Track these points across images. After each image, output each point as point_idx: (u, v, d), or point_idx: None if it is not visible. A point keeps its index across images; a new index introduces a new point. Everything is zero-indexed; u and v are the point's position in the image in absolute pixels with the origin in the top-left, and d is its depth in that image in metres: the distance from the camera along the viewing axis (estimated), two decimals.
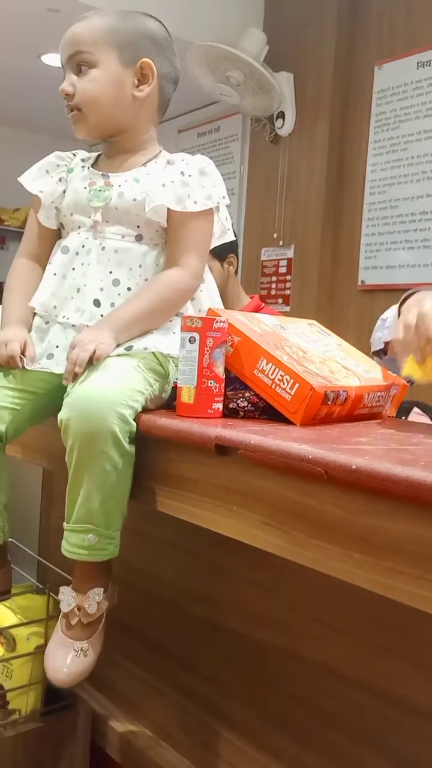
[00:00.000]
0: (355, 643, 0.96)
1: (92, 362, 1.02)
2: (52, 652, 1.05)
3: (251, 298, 2.34)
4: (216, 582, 1.17)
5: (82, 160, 1.25)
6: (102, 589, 1.05)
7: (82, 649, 1.04)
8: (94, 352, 1.01)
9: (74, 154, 1.27)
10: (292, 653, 1.04)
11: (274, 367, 1.01)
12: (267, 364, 1.02)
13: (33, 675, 1.23)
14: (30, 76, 3.98)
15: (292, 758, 1.04)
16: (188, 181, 1.14)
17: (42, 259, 1.23)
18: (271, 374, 1.01)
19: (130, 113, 1.18)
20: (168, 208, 1.13)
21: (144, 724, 1.28)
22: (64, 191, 1.21)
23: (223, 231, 1.25)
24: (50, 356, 1.13)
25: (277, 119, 3.49)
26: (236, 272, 2.30)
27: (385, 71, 3.16)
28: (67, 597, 1.05)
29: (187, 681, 1.22)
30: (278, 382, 1.00)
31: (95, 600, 1.04)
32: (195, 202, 1.14)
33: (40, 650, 1.22)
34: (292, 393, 0.99)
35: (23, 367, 1.11)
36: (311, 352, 1.11)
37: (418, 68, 3.03)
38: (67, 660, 1.03)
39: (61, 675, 1.03)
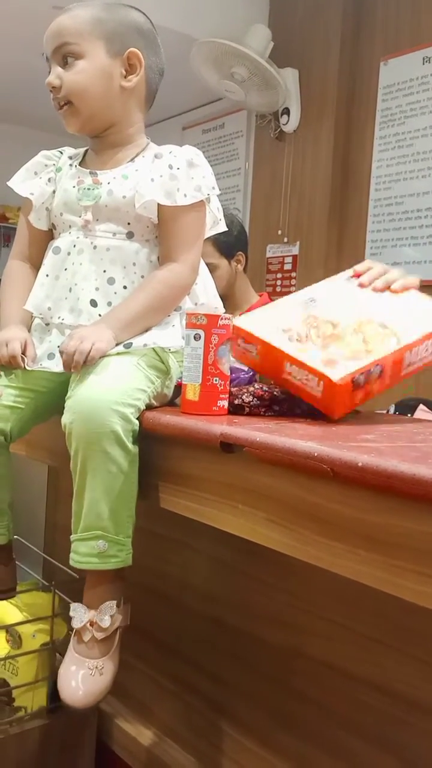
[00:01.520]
0: (361, 640, 0.96)
1: (87, 362, 1.01)
2: (64, 672, 1.00)
3: (260, 296, 2.32)
4: (221, 580, 1.17)
5: (70, 158, 1.24)
6: (115, 602, 1.02)
7: (97, 668, 0.99)
8: (90, 350, 1.01)
9: (61, 152, 1.26)
10: (298, 651, 1.04)
11: (297, 368, 1.00)
12: (291, 366, 1.01)
13: (39, 672, 1.23)
14: (34, 74, 3.97)
15: (297, 755, 1.04)
16: (177, 174, 1.13)
17: (35, 261, 1.22)
18: (298, 375, 1.00)
19: (119, 104, 1.17)
20: (158, 203, 1.12)
21: (150, 722, 1.28)
22: (54, 191, 1.20)
23: (215, 221, 1.24)
24: (51, 356, 1.12)
25: (282, 115, 3.47)
26: (245, 270, 2.28)
27: (390, 67, 3.14)
28: (78, 613, 1.02)
29: (192, 679, 1.22)
30: (306, 382, 0.99)
31: (108, 614, 1.01)
32: (185, 195, 1.13)
33: (46, 647, 1.23)
34: (321, 390, 0.97)
35: (24, 367, 1.10)
36: (343, 322, 1.06)
37: (423, 64, 3.01)
38: (81, 679, 0.98)
39: (77, 696, 0.97)
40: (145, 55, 1.17)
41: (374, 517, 0.72)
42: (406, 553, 0.69)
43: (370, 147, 3.21)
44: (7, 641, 1.25)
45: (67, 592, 1.20)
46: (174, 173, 1.13)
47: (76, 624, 1.01)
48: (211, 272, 2.08)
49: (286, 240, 3.50)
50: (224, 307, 2.10)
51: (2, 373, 1.12)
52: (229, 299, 2.19)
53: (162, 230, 1.15)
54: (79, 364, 1.01)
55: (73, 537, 1.01)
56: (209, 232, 1.24)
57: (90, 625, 1.00)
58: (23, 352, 1.11)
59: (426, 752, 0.89)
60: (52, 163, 1.23)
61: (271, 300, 2.33)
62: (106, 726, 1.30)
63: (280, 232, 3.52)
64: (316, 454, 0.75)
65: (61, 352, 1.04)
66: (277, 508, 0.83)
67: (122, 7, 1.19)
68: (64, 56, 1.14)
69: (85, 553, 0.99)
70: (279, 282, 3.55)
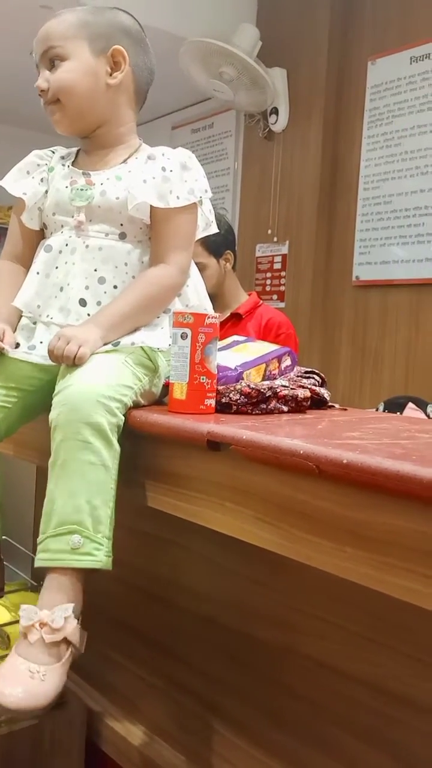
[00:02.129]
0: (351, 638, 0.96)
1: (74, 364, 1.01)
2: (1, 669, 0.89)
3: (249, 294, 2.33)
4: (211, 578, 1.17)
5: (62, 158, 1.24)
6: (72, 606, 0.92)
7: (39, 672, 0.87)
8: (77, 352, 1.00)
9: (53, 152, 1.26)
10: (289, 649, 1.04)
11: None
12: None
13: None
14: (23, 73, 3.96)
15: (289, 754, 1.04)
16: (169, 177, 1.14)
17: (25, 260, 1.22)
18: None
19: (107, 102, 1.18)
20: (151, 205, 1.13)
21: (140, 721, 1.28)
22: (46, 191, 1.20)
23: (207, 223, 1.24)
24: (32, 348, 1.12)
25: (270, 115, 3.48)
26: (234, 269, 2.29)
27: (378, 66, 3.15)
28: (27, 613, 0.91)
29: (183, 677, 1.22)
30: None
31: (62, 615, 0.91)
32: (177, 198, 1.13)
33: None
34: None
35: (2, 351, 1.09)
36: None
37: (411, 63, 3.02)
38: (19, 680, 0.86)
39: (12, 696, 0.84)
40: (131, 53, 1.18)
41: (360, 514, 0.73)
42: (392, 549, 0.70)
43: (359, 146, 3.22)
44: None
45: None
46: (167, 175, 1.14)
47: (24, 623, 0.91)
48: (200, 271, 2.08)
49: (275, 239, 3.50)
50: (213, 306, 2.10)
51: None
52: (219, 298, 2.20)
53: (154, 232, 1.15)
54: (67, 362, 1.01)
55: (42, 536, 0.95)
56: (201, 234, 1.25)
57: (39, 626, 0.90)
58: (1, 339, 1.10)
59: (419, 749, 0.89)
60: (45, 162, 1.24)
61: (260, 299, 2.34)
62: (95, 725, 1.29)
63: (269, 231, 3.52)
64: (301, 452, 0.76)
65: (50, 352, 1.03)
66: (265, 505, 0.83)
67: (109, 10, 1.20)
68: (51, 59, 1.16)
69: (57, 549, 0.92)
70: (269, 281, 3.56)
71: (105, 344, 1.06)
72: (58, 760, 1.22)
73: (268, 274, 3.55)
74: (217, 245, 2.12)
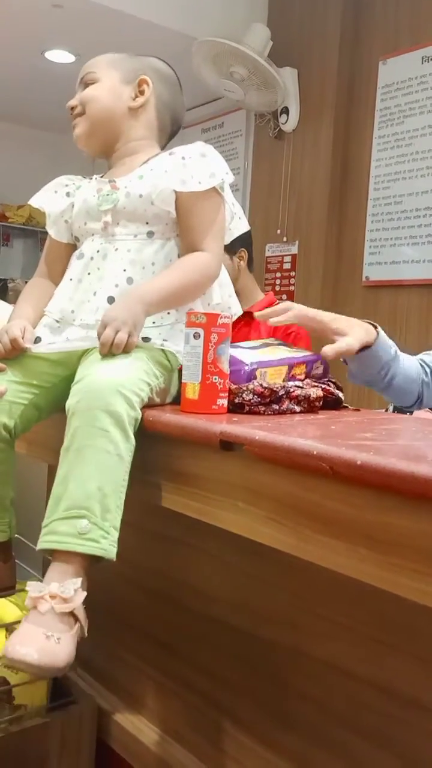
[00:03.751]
0: (361, 639, 0.96)
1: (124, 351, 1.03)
2: (13, 635, 0.90)
3: (266, 294, 2.29)
4: (221, 579, 1.17)
5: (90, 179, 1.29)
6: (80, 579, 0.93)
7: (54, 635, 0.88)
8: (127, 342, 1.03)
9: (83, 177, 1.31)
10: (298, 650, 1.04)
11: None
12: None
13: None
14: (34, 73, 3.98)
15: (297, 755, 1.04)
16: (188, 163, 1.16)
17: (53, 275, 1.27)
18: None
19: (126, 120, 1.26)
20: (175, 192, 1.15)
21: (150, 721, 1.28)
22: (72, 204, 1.25)
23: (232, 215, 1.26)
24: (52, 343, 1.14)
25: (281, 115, 3.48)
26: (250, 268, 2.25)
27: (389, 66, 3.14)
28: (36, 586, 0.93)
29: (192, 677, 1.22)
30: None
31: (71, 587, 0.92)
32: (199, 182, 1.15)
33: None
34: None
35: (25, 348, 1.12)
36: None
37: (422, 63, 3.01)
38: (36, 640, 0.87)
39: (25, 651, 0.85)
40: (156, 85, 1.27)
41: (373, 516, 0.72)
42: (406, 551, 0.69)
43: (369, 146, 3.21)
44: (7, 639, 1.25)
45: None
46: (186, 162, 1.16)
47: (32, 594, 0.91)
48: None
49: (285, 239, 3.50)
50: None
51: (6, 368, 1.12)
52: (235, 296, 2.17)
53: (182, 222, 1.17)
54: (115, 352, 1.03)
55: (48, 519, 0.94)
56: (233, 232, 1.27)
57: (50, 597, 0.91)
58: (21, 337, 1.13)
59: (426, 751, 0.89)
60: (72, 182, 1.29)
61: (276, 299, 2.31)
62: (106, 724, 1.30)
63: (279, 231, 3.52)
64: (315, 453, 0.75)
65: (102, 344, 1.04)
66: (277, 506, 0.83)
67: (147, 57, 1.31)
68: (85, 83, 1.26)
69: (64, 532, 0.92)
70: (278, 281, 3.56)
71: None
72: (68, 759, 1.23)
73: (278, 274, 3.55)
74: (232, 242, 2.07)
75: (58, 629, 0.90)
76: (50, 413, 1.14)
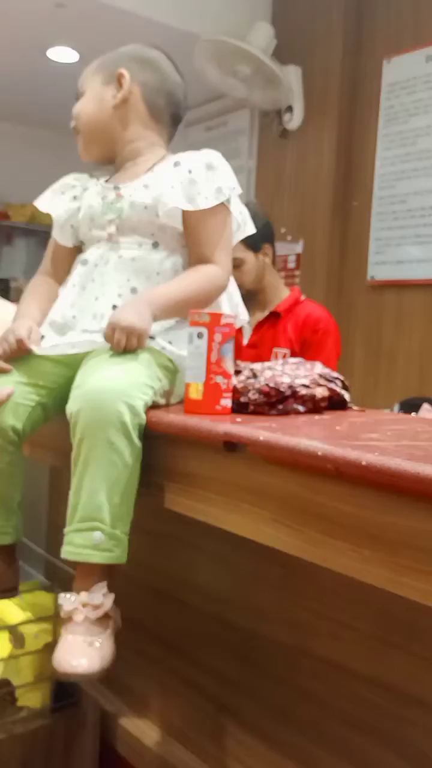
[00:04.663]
0: (364, 639, 0.95)
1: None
2: (61, 649, 0.97)
3: (291, 289, 2.24)
4: (225, 579, 1.17)
5: (98, 178, 1.28)
6: (105, 583, 1.01)
7: (93, 643, 0.97)
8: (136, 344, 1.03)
9: (91, 175, 1.30)
10: (302, 650, 1.03)
11: None
12: None
13: (41, 672, 1.22)
14: (36, 72, 3.97)
15: (301, 754, 1.03)
16: (196, 179, 1.15)
17: (58, 276, 1.26)
18: None
19: (115, 121, 1.24)
20: (183, 210, 1.14)
21: (153, 721, 1.28)
22: (79, 208, 1.24)
23: (238, 225, 1.25)
24: (55, 346, 1.14)
25: (285, 113, 3.47)
26: (273, 263, 2.21)
27: (393, 65, 3.13)
28: (67, 599, 1.00)
29: (195, 678, 1.21)
30: None
31: (100, 592, 1.00)
32: (206, 199, 1.14)
33: (49, 647, 1.22)
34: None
35: (31, 349, 1.12)
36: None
37: (427, 62, 3.00)
38: (80, 650, 0.96)
39: (79, 665, 0.94)
40: (135, 73, 1.23)
41: (379, 516, 0.72)
42: (411, 551, 0.69)
43: (374, 145, 3.20)
44: (10, 641, 1.24)
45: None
46: (193, 178, 1.15)
47: (66, 608, 0.99)
48: (238, 267, 2.04)
49: (289, 238, 3.49)
50: (254, 302, 2.06)
51: (13, 370, 1.12)
52: (259, 295, 2.12)
53: (190, 237, 1.17)
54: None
55: (67, 528, 1.00)
56: (237, 237, 1.26)
57: (82, 606, 0.98)
58: (28, 338, 1.13)
59: (430, 749, 0.88)
60: (79, 183, 1.28)
61: (302, 294, 2.24)
62: (109, 725, 1.29)
63: (283, 230, 3.51)
64: (320, 453, 0.75)
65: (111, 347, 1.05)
66: (282, 507, 0.82)
67: (127, 46, 1.28)
68: (77, 99, 1.27)
69: (80, 544, 0.98)
70: (283, 281, 3.55)
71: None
72: (72, 760, 1.23)
73: (282, 274, 3.54)
74: (255, 239, 1.99)
75: (96, 633, 0.98)
76: (56, 414, 1.13)
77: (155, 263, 1.16)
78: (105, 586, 1.00)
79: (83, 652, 0.96)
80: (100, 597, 0.99)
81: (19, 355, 1.13)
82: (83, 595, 0.99)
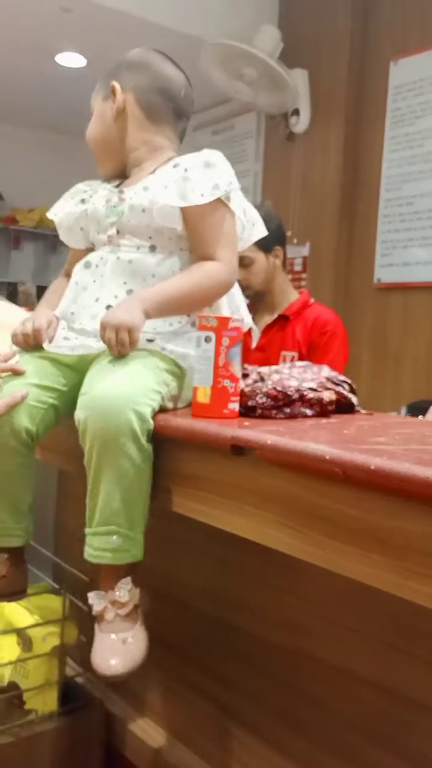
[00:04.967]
0: (369, 643, 0.95)
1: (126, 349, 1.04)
2: (97, 649, 1.01)
3: (300, 293, 2.24)
4: (230, 582, 1.17)
5: (109, 182, 1.29)
6: (129, 579, 1.03)
7: (127, 639, 1.01)
8: (129, 341, 1.03)
9: (102, 181, 1.31)
10: (307, 654, 1.03)
11: None
12: None
13: (49, 675, 1.23)
14: (44, 76, 3.99)
15: (306, 759, 1.03)
16: (190, 176, 1.14)
17: None
18: None
19: (116, 133, 1.25)
20: (180, 209, 1.13)
21: (158, 725, 1.28)
22: (86, 211, 1.24)
23: (243, 226, 1.24)
24: (58, 347, 1.15)
25: (291, 116, 3.47)
26: (283, 266, 2.21)
27: (400, 67, 3.13)
28: (96, 599, 1.03)
29: (201, 682, 1.21)
30: None
31: (125, 588, 1.02)
32: (201, 195, 1.13)
33: (56, 651, 1.23)
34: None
35: (45, 341, 1.14)
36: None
37: None
38: (115, 650, 1.00)
39: (115, 666, 0.98)
40: (125, 80, 1.24)
41: (386, 521, 0.72)
42: (419, 556, 0.69)
43: (380, 147, 3.20)
44: (18, 644, 1.25)
45: (78, 595, 1.20)
46: (187, 175, 1.14)
47: (97, 608, 1.02)
48: (247, 266, 2.03)
49: (296, 241, 3.49)
50: (262, 304, 2.04)
51: (25, 371, 1.12)
52: (267, 297, 2.12)
53: (191, 236, 1.16)
54: (123, 353, 1.04)
55: (87, 531, 1.02)
56: (249, 239, 1.26)
57: (110, 605, 1.02)
58: (45, 329, 1.15)
59: None
60: (90, 188, 1.29)
61: (311, 297, 2.24)
62: (115, 729, 1.29)
63: (290, 233, 3.51)
64: (327, 457, 0.75)
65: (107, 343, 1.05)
66: (288, 510, 0.82)
67: (121, 57, 1.29)
68: None
69: (99, 547, 1.01)
70: (291, 284, 3.55)
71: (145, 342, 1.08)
72: (78, 763, 1.23)
73: (289, 277, 3.53)
74: (267, 240, 1.97)
75: (127, 628, 1.02)
76: (66, 416, 1.13)
77: (151, 266, 1.15)
78: (129, 582, 1.03)
79: (117, 651, 1.00)
80: (126, 593, 1.02)
81: (33, 343, 1.15)
82: (110, 594, 1.02)
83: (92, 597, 1.03)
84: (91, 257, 1.21)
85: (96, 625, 1.03)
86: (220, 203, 1.16)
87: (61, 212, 1.28)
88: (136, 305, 1.07)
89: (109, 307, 1.13)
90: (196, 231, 1.15)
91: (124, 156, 1.26)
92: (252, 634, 1.12)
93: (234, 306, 1.24)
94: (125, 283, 1.15)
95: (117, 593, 1.02)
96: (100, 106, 1.27)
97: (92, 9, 3.13)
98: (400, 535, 0.70)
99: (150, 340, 1.09)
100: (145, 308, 1.07)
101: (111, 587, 1.03)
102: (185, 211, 1.14)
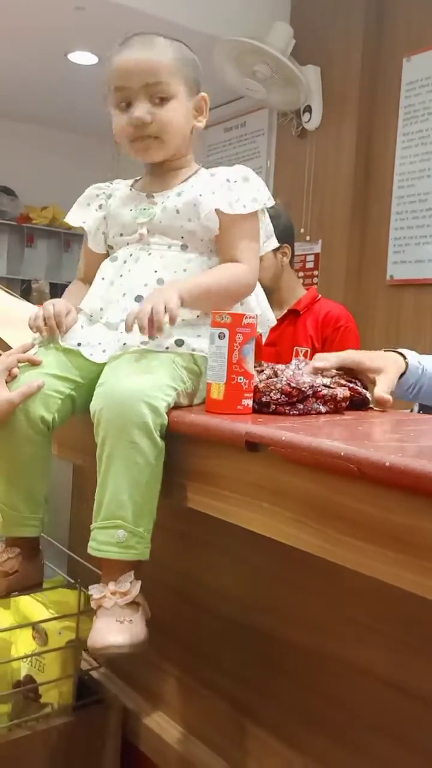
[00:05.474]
0: (387, 642, 0.95)
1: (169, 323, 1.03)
2: (93, 632, 1.00)
3: (307, 289, 2.26)
4: (248, 580, 1.17)
5: (123, 186, 1.30)
6: (132, 572, 1.03)
7: (125, 619, 1.01)
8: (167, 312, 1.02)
9: (111, 183, 1.31)
10: (324, 652, 1.03)
11: None
12: None
13: (64, 669, 1.24)
14: (57, 75, 4.01)
15: (323, 757, 1.03)
16: (233, 187, 1.19)
17: (91, 281, 1.27)
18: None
19: (187, 140, 1.25)
20: (217, 213, 1.17)
21: (174, 720, 1.29)
22: (105, 216, 1.26)
23: (267, 236, 1.28)
24: (79, 345, 1.14)
25: (303, 113, 3.46)
26: (291, 264, 2.24)
27: (413, 63, 3.12)
28: (97, 589, 1.03)
29: (217, 678, 1.22)
30: None
31: (127, 580, 1.02)
32: (244, 206, 1.18)
33: (72, 644, 1.23)
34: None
35: (61, 332, 1.14)
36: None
37: None
38: (113, 627, 0.99)
39: (110, 639, 0.98)
40: (199, 86, 1.24)
41: (402, 518, 0.72)
42: None
43: (393, 144, 3.19)
44: (34, 638, 1.26)
45: None
46: (231, 186, 1.19)
47: (96, 596, 1.02)
48: None
49: (308, 238, 3.49)
50: (270, 301, 2.06)
51: (45, 360, 1.13)
52: (275, 294, 2.14)
53: (222, 240, 1.19)
54: (159, 328, 1.03)
55: (93, 525, 1.02)
56: (262, 249, 1.28)
57: (111, 594, 1.02)
58: (65, 316, 1.15)
59: None
60: (102, 192, 1.30)
61: (318, 294, 2.27)
62: (131, 724, 1.30)
63: (302, 230, 3.50)
64: (342, 454, 0.75)
65: (134, 322, 1.04)
66: (304, 507, 0.82)
67: (185, 48, 1.23)
68: (155, 94, 1.18)
69: (103, 541, 1.01)
70: (301, 281, 3.54)
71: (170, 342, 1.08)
72: (94, 758, 1.24)
73: (301, 274, 3.53)
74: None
75: (127, 614, 1.02)
76: (82, 409, 1.14)
77: (183, 261, 1.18)
78: (132, 575, 1.03)
79: (115, 629, 1.00)
80: (128, 584, 1.02)
81: (51, 327, 1.14)
82: (111, 585, 1.02)
83: (92, 588, 1.04)
84: (119, 253, 1.22)
85: (95, 616, 1.03)
86: (254, 215, 1.20)
87: (90, 219, 1.28)
88: (172, 289, 1.08)
89: (138, 297, 1.13)
90: (228, 236, 1.19)
91: (176, 154, 1.24)
92: (270, 633, 1.12)
93: (262, 307, 1.28)
94: (156, 272, 1.16)
95: (118, 584, 1.02)
96: (185, 102, 1.20)
97: (105, 7, 3.14)
98: (417, 533, 0.70)
99: (179, 344, 1.09)
100: (181, 294, 1.07)
101: (113, 577, 1.03)
102: (223, 217, 1.17)
